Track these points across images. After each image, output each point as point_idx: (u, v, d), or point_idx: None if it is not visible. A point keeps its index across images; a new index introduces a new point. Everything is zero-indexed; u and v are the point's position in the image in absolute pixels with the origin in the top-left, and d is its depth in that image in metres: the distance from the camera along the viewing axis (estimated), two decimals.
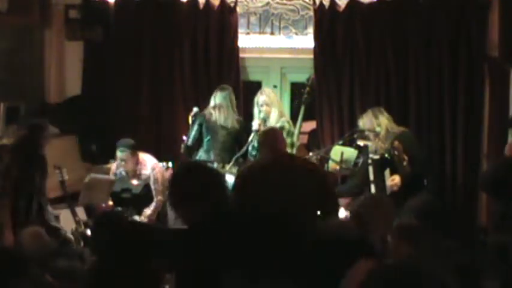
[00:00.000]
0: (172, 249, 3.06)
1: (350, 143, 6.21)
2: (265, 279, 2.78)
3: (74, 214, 5.87)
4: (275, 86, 7.02)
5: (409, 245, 3.34)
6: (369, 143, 5.80)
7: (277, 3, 6.98)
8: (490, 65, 6.44)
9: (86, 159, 7.06)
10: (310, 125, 6.89)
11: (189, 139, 6.33)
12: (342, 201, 5.76)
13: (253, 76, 7.20)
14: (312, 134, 6.93)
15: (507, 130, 6.21)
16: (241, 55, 6.97)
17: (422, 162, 5.70)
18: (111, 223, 4.17)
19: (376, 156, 5.63)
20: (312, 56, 6.74)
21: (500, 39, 6.34)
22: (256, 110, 6.30)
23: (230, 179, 5.04)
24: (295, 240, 3.00)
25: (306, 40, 6.90)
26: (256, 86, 7.00)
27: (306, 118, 6.47)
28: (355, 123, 6.15)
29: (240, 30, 6.94)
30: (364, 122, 5.83)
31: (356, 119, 6.20)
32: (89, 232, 5.58)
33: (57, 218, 5.86)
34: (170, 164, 6.27)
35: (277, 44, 7.01)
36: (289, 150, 6.03)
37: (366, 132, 5.81)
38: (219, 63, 6.94)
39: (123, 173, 6.29)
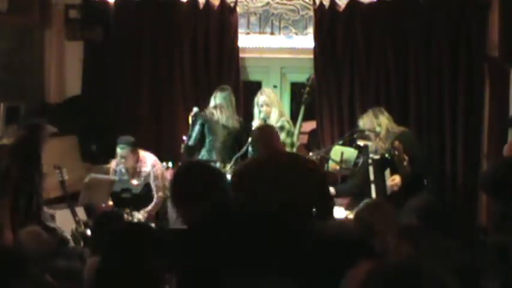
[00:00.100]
0: (172, 249, 3.06)
1: (350, 143, 6.21)
2: (265, 279, 2.78)
3: (74, 214, 5.87)
4: (275, 86, 7.03)
5: (409, 245, 3.34)
6: (369, 143, 5.80)
7: (277, 3, 6.99)
8: (490, 65, 6.44)
9: (86, 159, 7.06)
10: (310, 125, 6.89)
11: (189, 139, 6.34)
12: (342, 201, 5.77)
13: (253, 76, 7.21)
14: (312, 134, 6.94)
15: (507, 130, 6.21)
16: (241, 55, 6.98)
17: (422, 162, 5.69)
18: (111, 223, 4.18)
19: (377, 156, 5.62)
20: (312, 56, 6.74)
21: (500, 39, 6.35)
22: (256, 110, 6.31)
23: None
24: (294, 240, 3.00)
25: (306, 40, 6.90)
26: (256, 86, 7.01)
27: (306, 118, 6.48)
28: (355, 123, 6.16)
29: (240, 30, 6.94)
30: (365, 122, 5.83)
31: (356, 119, 6.20)
32: (89, 232, 5.58)
33: (52, 217, 5.86)
34: (170, 164, 6.28)
35: (277, 44, 7.01)
36: (289, 150, 6.05)
37: (367, 132, 5.81)
38: (219, 63, 6.94)
39: (123, 170, 6.29)
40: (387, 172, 5.52)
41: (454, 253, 3.39)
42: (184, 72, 7.00)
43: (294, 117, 6.51)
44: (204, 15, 6.94)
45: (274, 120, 6.19)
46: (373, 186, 5.57)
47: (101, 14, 7.10)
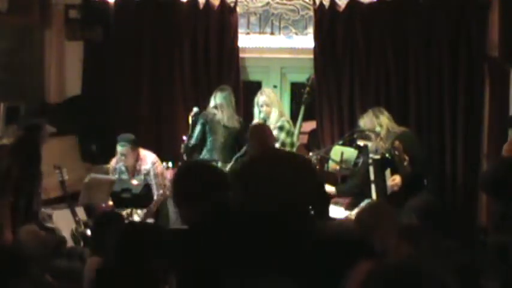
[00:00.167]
0: (172, 249, 3.06)
1: (350, 143, 6.21)
2: (265, 279, 2.78)
3: (74, 214, 5.87)
4: (275, 86, 7.02)
5: (409, 245, 3.34)
6: (369, 143, 5.79)
7: (277, 3, 6.98)
8: (490, 65, 6.43)
9: (86, 159, 7.06)
10: (310, 125, 6.89)
11: (189, 139, 6.34)
12: (342, 201, 5.78)
13: (253, 76, 7.21)
14: (312, 134, 6.93)
15: (507, 130, 6.21)
16: (241, 55, 6.97)
17: (422, 162, 5.69)
18: (111, 223, 4.18)
19: (377, 156, 5.62)
20: (312, 56, 6.74)
21: (500, 39, 6.34)
22: (256, 110, 6.31)
23: None
24: (294, 240, 3.00)
25: (306, 40, 6.90)
26: (256, 86, 7.01)
27: (306, 118, 6.48)
28: (355, 123, 6.16)
29: (240, 30, 6.94)
30: (365, 121, 5.82)
31: (356, 119, 6.20)
32: (89, 232, 5.58)
33: (50, 217, 5.87)
34: (170, 164, 6.28)
35: (277, 44, 7.01)
36: (289, 150, 6.05)
37: (367, 132, 5.81)
38: (219, 63, 6.94)
39: (123, 168, 6.29)
40: (388, 172, 5.52)
41: (454, 253, 3.40)
42: (184, 72, 7.00)
43: (294, 117, 6.50)
44: (204, 15, 6.94)
45: (274, 120, 6.19)
46: (373, 186, 5.56)
47: (101, 14, 7.10)
